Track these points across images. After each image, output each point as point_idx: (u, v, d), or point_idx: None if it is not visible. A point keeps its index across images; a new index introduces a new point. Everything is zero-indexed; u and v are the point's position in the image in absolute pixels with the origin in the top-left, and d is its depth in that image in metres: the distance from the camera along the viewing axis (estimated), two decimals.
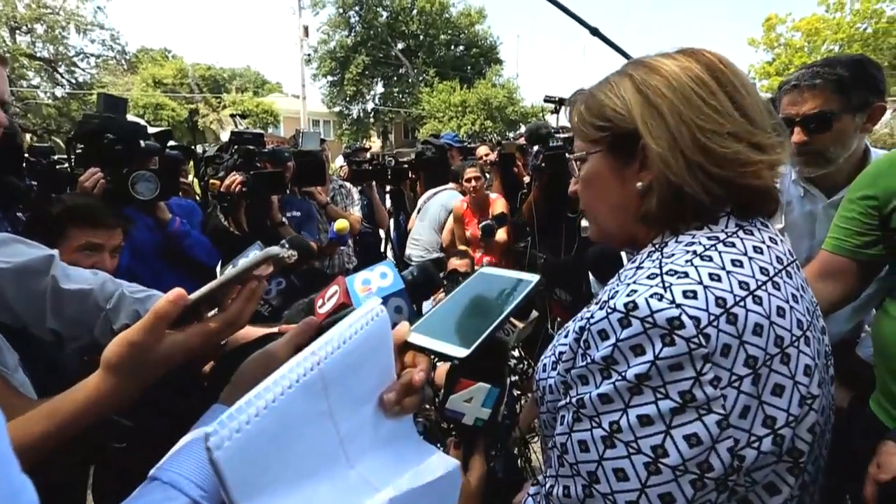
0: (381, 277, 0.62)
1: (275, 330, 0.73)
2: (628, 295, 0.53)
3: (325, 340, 0.42)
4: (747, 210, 0.61)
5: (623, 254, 1.16)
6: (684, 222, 0.60)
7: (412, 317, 0.62)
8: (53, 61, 21.75)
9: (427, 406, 0.66)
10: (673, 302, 0.51)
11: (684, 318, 0.50)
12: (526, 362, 1.33)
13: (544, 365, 0.66)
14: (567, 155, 0.72)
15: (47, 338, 0.85)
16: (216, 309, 0.59)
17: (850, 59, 1.29)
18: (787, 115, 1.34)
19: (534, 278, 0.60)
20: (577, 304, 2.07)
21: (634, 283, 0.55)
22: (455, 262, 2.85)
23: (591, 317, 0.56)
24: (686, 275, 0.53)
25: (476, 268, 3.14)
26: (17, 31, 20.91)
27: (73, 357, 1.12)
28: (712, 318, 0.50)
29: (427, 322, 0.57)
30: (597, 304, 0.61)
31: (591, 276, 1.09)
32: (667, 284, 0.52)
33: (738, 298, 0.52)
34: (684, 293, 0.51)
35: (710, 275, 0.53)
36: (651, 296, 0.52)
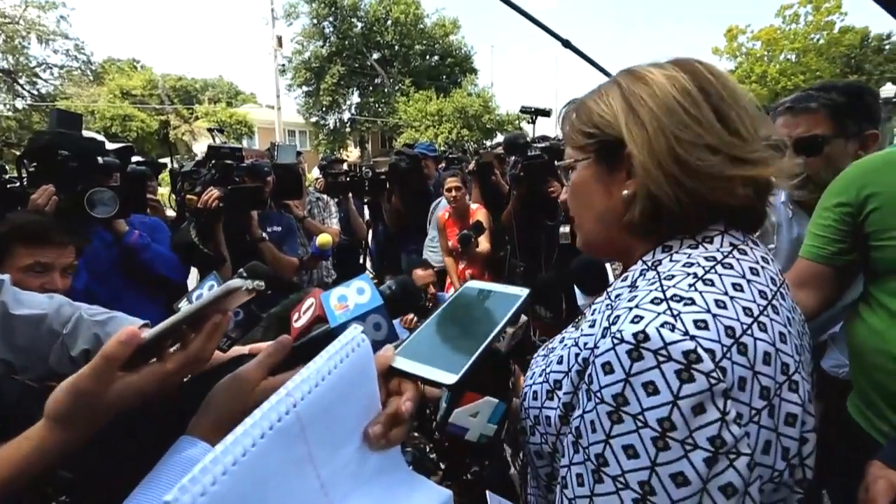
0: (357, 293, 0.59)
1: (245, 351, 0.69)
2: (634, 321, 0.49)
3: (300, 379, 0.38)
4: (731, 227, 0.59)
5: (608, 265, 1.16)
6: (665, 235, 0.60)
7: (391, 334, 0.59)
8: (13, 72, 20.91)
9: (416, 434, 0.64)
10: (686, 333, 0.47)
11: (700, 350, 0.46)
12: (516, 368, 1.31)
13: (535, 392, 0.62)
14: (556, 163, 0.74)
15: None
16: (178, 344, 0.54)
17: (846, 86, 1.31)
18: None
19: (523, 292, 0.57)
20: (557, 321, 2.07)
21: (637, 307, 0.51)
22: (419, 274, 2.80)
23: (596, 347, 0.52)
24: (693, 301, 0.50)
25: (458, 280, 3.12)
26: None
27: (15, 383, 1.05)
28: (725, 349, 0.47)
29: (412, 344, 0.54)
30: (590, 325, 0.58)
31: (575, 288, 1.08)
32: (675, 312, 0.49)
33: (745, 327, 0.49)
34: (696, 323, 0.48)
35: (717, 301, 0.50)
36: (662, 325, 0.48)
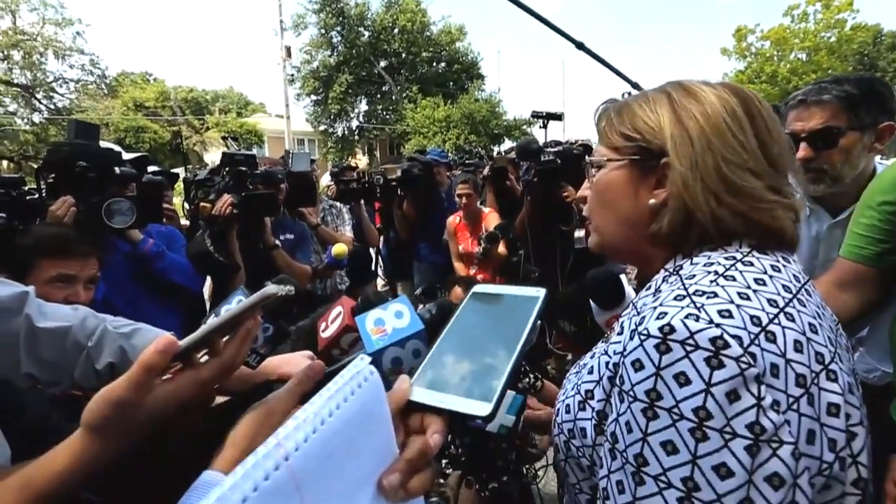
0: (396, 317, 0.55)
1: (274, 377, 0.67)
2: (659, 318, 0.50)
3: (293, 425, 0.32)
4: (759, 245, 0.60)
5: (623, 276, 1.12)
6: (689, 246, 0.60)
7: None
8: (31, 87, 21.44)
9: (441, 480, 0.60)
10: (711, 321, 0.48)
11: (727, 337, 0.47)
12: (533, 376, 1.29)
13: (567, 406, 0.62)
14: (587, 158, 0.73)
15: (23, 384, 0.79)
16: (206, 352, 0.53)
17: (858, 78, 1.29)
18: (793, 130, 1.32)
19: (539, 292, 0.51)
20: (581, 334, 2.02)
21: (661, 305, 0.52)
22: (458, 293, 2.78)
23: (624, 349, 0.52)
24: (715, 294, 0.51)
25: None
26: None
27: (42, 395, 1.05)
28: (752, 336, 0.47)
29: (429, 370, 0.47)
30: (619, 332, 0.58)
31: (591, 303, 1.05)
32: (699, 304, 0.50)
33: (771, 316, 0.50)
34: (720, 312, 0.49)
35: (739, 294, 0.51)
36: (686, 317, 0.48)
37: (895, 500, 0.88)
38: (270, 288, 0.51)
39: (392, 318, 0.55)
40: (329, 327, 0.61)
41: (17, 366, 0.75)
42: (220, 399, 0.65)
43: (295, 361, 0.76)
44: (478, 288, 0.57)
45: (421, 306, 0.59)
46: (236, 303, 0.73)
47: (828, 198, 1.38)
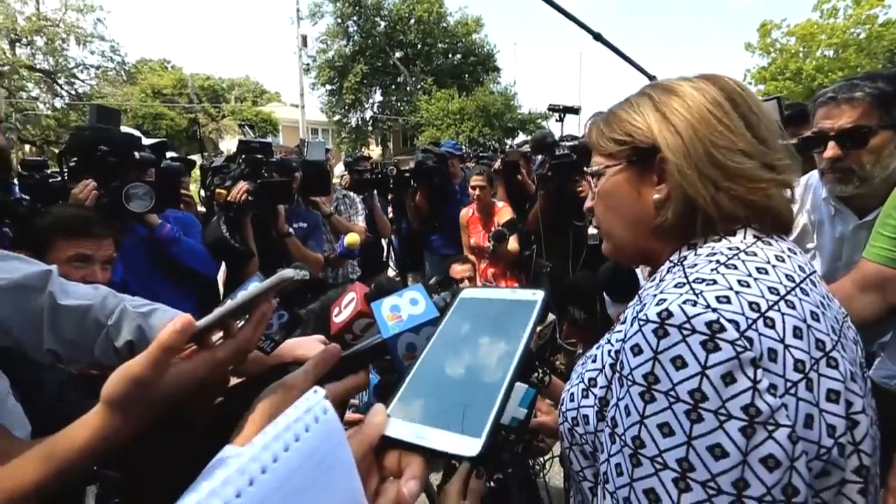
0: (411, 304, 0.55)
1: (289, 359, 0.68)
2: (658, 304, 0.51)
3: (221, 479, 0.25)
4: (759, 226, 0.62)
5: (638, 270, 1.11)
6: (696, 236, 0.62)
7: None
8: (53, 73, 21.82)
9: None
10: (708, 306, 0.49)
11: (723, 321, 0.48)
12: (541, 371, 1.29)
13: (572, 394, 0.64)
14: (585, 169, 0.75)
15: (45, 360, 0.81)
16: (221, 333, 0.54)
17: (892, 74, 1.24)
18: (822, 128, 1.28)
19: (538, 296, 0.43)
20: (591, 321, 2.01)
21: (662, 293, 0.53)
22: (457, 269, 2.77)
23: (625, 336, 0.53)
24: (714, 282, 0.52)
25: (481, 280, 3.07)
26: (17, 44, 21.00)
27: (59, 372, 1.08)
28: (750, 321, 0.48)
29: (407, 398, 0.40)
30: (623, 322, 0.59)
31: (605, 296, 1.04)
32: (697, 291, 0.51)
33: (771, 303, 0.50)
34: (717, 298, 0.50)
35: (739, 281, 0.52)
36: (684, 302, 0.50)
37: None
38: (287, 272, 0.51)
39: (408, 305, 0.55)
40: (342, 312, 0.61)
41: (41, 342, 0.77)
42: (235, 380, 0.67)
43: (308, 345, 0.78)
44: (466, 293, 0.50)
45: (436, 295, 0.59)
46: (252, 288, 0.74)
47: (854, 198, 1.34)
